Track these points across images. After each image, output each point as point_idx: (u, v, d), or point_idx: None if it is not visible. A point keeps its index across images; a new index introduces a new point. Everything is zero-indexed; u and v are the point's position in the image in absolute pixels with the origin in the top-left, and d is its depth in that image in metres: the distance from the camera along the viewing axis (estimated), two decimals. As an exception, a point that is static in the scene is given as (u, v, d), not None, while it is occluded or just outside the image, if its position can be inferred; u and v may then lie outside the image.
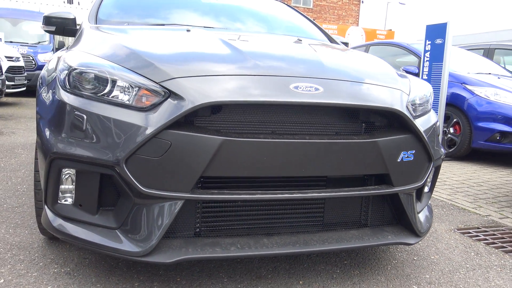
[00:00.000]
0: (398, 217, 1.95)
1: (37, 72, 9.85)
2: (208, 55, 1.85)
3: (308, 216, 1.83)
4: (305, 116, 1.72)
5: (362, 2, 26.91)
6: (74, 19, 2.72)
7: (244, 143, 1.55)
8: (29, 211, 2.59)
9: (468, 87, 5.35)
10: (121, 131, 1.54)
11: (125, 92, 1.61)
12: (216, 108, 1.60)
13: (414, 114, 1.86)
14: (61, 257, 2.02)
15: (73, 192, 1.68)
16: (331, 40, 3.10)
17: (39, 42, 11.00)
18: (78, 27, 2.70)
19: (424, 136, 1.83)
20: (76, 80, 1.66)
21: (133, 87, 1.61)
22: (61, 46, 11.23)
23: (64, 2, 20.62)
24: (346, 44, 3.24)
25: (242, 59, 1.78)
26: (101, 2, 2.80)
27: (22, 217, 2.50)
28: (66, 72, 1.70)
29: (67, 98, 1.65)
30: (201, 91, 1.54)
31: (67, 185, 1.68)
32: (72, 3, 20.77)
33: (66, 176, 1.67)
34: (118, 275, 1.88)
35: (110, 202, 1.69)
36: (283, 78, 1.68)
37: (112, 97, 1.61)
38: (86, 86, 1.64)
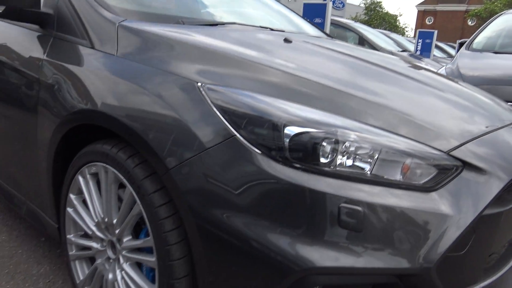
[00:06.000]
0: None
1: None
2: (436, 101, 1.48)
3: None
4: None
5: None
6: None
7: None
8: None
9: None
10: (423, 225, 1.10)
11: (390, 166, 1.13)
12: None
13: None
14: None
15: None
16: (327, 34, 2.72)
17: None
18: None
19: None
20: (313, 149, 1.10)
21: (398, 157, 1.14)
22: None
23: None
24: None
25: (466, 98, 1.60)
26: None
27: None
28: (279, 133, 1.11)
29: (321, 182, 1.08)
30: (496, 156, 1.26)
31: None
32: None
33: None
34: None
35: None
36: None
37: (378, 174, 1.12)
38: (330, 159, 1.11)
